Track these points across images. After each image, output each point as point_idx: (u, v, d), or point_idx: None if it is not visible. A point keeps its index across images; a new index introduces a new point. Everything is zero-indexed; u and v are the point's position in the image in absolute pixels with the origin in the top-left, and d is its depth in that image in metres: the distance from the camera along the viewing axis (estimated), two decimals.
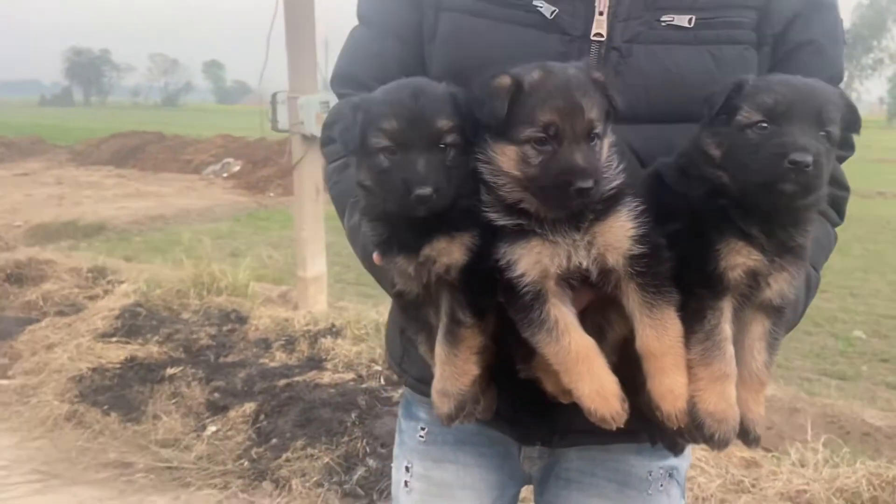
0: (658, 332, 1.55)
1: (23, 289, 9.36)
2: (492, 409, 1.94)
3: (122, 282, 9.42)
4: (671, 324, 1.56)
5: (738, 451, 5.24)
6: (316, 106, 8.16)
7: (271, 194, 23.19)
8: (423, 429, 2.28)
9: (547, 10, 1.87)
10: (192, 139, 33.28)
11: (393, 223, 1.69)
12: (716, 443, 1.59)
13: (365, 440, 5.56)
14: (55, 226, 16.72)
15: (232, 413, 6.16)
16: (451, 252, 1.63)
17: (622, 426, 1.58)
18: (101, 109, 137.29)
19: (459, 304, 1.66)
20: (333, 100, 2.25)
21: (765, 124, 1.51)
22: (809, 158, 1.42)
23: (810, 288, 1.93)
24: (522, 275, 1.56)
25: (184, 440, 5.97)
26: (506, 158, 1.56)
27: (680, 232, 1.59)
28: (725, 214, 1.57)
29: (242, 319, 8.17)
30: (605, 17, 1.86)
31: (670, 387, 1.55)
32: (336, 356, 7.08)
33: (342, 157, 2.09)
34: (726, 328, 1.58)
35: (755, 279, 1.58)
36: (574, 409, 1.72)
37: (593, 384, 1.56)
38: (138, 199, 21.93)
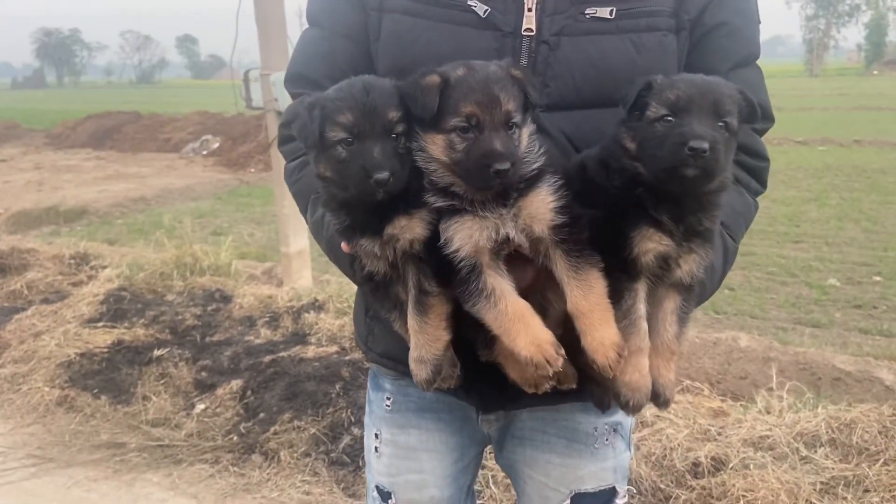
0: (584, 292, 1.70)
1: (7, 278, 9.35)
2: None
3: (105, 267, 9.43)
4: (595, 283, 1.70)
5: (706, 401, 5.41)
6: None
7: (252, 170, 23.09)
8: (388, 398, 2.46)
9: (480, 9, 1.99)
10: (169, 117, 32.94)
11: (354, 210, 1.82)
12: (630, 408, 1.77)
13: (349, 410, 5.67)
14: (36, 212, 16.65)
15: (219, 391, 6.25)
16: (412, 228, 1.77)
17: (560, 370, 1.71)
18: (75, 90, 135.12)
19: (425, 275, 1.80)
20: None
21: (669, 118, 1.67)
22: (705, 145, 1.59)
23: (727, 258, 2.07)
24: (457, 249, 1.72)
25: (174, 419, 6.06)
26: (435, 146, 1.71)
27: (599, 220, 1.74)
28: (639, 203, 1.72)
29: (227, 298, 8.22)
30: (533, 13, 1.97)
31: (601, 339, 1.68)
32: (319, 330, 7.16)
33: (300, 156, 2.20)
34: (641, 307, 1.75)
35: (666, 262, 1.75)
36: None
37: (528, 336, 1.70)
38: (118, 182, 21.85)
